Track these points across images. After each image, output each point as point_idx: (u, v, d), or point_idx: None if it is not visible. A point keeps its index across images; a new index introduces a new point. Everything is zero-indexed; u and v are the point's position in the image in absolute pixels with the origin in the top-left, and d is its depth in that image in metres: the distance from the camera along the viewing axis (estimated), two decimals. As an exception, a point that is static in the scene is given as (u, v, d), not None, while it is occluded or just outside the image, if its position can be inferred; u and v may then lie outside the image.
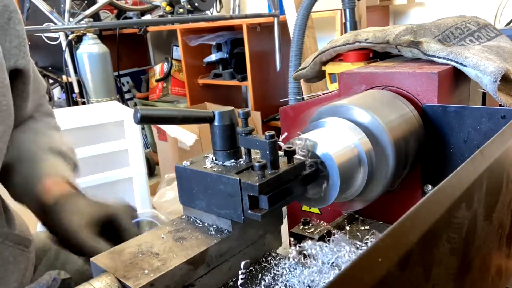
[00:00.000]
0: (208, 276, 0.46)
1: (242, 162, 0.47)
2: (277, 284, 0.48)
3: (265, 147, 0.44)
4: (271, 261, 0.53)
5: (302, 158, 0.48)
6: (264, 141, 0.44)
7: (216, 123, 0.47)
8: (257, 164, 0.42)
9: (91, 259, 0.44)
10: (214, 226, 0.48)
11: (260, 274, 0.50)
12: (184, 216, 0.52)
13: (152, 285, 0.40)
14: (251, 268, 0.51)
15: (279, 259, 0.53)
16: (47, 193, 0.71)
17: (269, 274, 0.50)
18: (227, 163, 0.47)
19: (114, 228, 0.64)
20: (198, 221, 0.50)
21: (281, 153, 0.47)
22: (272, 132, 0.44)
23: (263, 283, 0.48)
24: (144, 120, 0.43)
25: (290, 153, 0.46)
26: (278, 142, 0.46)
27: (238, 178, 0.43)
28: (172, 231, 0.49)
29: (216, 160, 0.48)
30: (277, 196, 0.44)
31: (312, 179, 0.49)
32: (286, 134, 0.58)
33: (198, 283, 0.45)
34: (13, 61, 0.71)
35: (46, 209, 0.69)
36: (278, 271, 0.50)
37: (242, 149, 0.48)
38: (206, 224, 0.49)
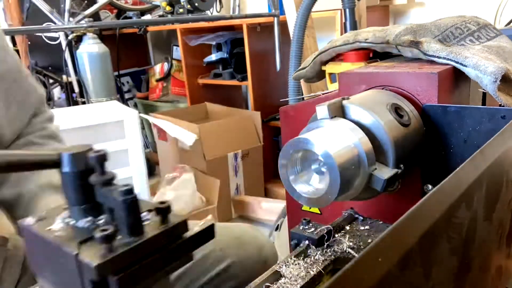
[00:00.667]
0: None
1: (102, 221, 0.35)
2: None
3: (119, 206, 0.32)
4: None
5: (181, 216, 0.35)
6: (115, 198, 0.32)
7: (64, 169, 0.34)
8: (98, 234, 0.30)
9: None
10: None
11: None
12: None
13: None
14: None
15: None
16: None
17: None
18: (81, 223, 0.35)
19: None
20: None
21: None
22: (130, 187, 0.32)
23: None
24: None
25: (164, 211, 0.34)
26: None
27: (74, 253, 0.31)
28: None
29: (70, 217, 0.35)
30: (136, 275, 0.32)
31: (201, 242, 0.36)
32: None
33: None
34: None
35: None
36: None
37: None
38: None
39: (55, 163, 0.35)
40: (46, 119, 0.88)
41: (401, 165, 0.55)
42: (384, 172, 0.52)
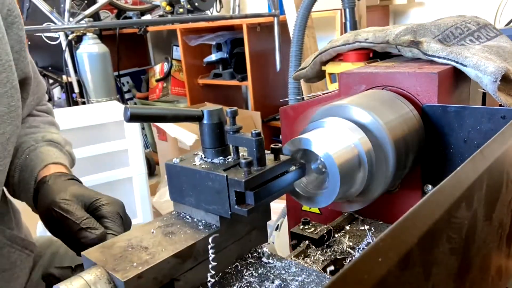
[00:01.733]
0: (195, 270, 0.47)
1: (230, 159, 0.49)
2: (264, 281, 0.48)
3: (251, 144, 0.45)
4: (257, 257, 0.53)
5: (286, 156, 0.49)
6: (250, 138, 0.45)
7: (205, 121, 0.48)
8: (243, 161, 0.44)
9: (82, 252, 0.45)
10: (203, 222, 0.50)
11: (245, 269, 0.51)
12: (174, 212, 0.52)
13: (140, 277, 0.41)
14: (237, 263, 0.51)
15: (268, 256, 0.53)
16: (42, 177, 0.72)
17: (253, 270, 0.50)
18: (216, 160, 0.48)
19: (96, 215, 0.64)
20: (188, 217, 0.51)
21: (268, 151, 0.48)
22: (258, 130, 0.46)
23: (246, 279, 0.49)
24: (134, 118, 0.44)
25: (276, 151, 0.48)
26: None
27: (225, 175, 0.45)
28: (162, 226, 0.50)
29: (205, 157, 0.49)
30: (263, 192, 0.45)
31: (299, 176, 0.50)
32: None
33: (185, 277, 0.46)
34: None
35: (39, 191, 0.70)
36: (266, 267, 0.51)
37: (231, 146, 0.49)
38: (195, 220, 0.50)
39: (199, 117, 0.48)
40: (45, 110, 0.93)
41: (401, 165, 0.54)
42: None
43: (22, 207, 0.84)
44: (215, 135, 0.48)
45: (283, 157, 0.48)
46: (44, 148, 0.79)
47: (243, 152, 0.49)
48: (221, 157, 0.49)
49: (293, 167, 0.49)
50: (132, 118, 0.44)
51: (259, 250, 0.54)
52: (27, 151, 0.78)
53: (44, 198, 0.67)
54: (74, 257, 0.64)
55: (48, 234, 0.70)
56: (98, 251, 0.45)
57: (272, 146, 0.48)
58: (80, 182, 0.73)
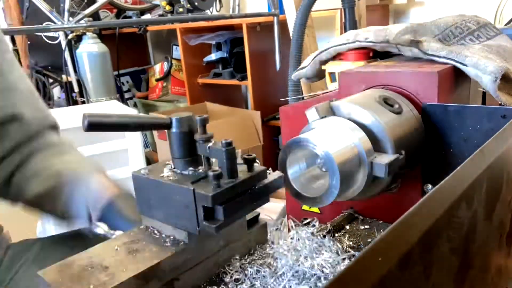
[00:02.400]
0: None
1: (201, 171, 0.46)
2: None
3: (221, 155, 0.42)
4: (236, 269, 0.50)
5: (261, 167, 0.47)
6: (220, 149, 0.42)
7: (173, 129, 0.45)
8: (211, 173, 0.41)
9: (38, 272, 0.43)
10: (171, 237, 0.47)
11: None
12: (142, 226, 0.50)
13: None
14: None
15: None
16: (103, 197, 0.74)
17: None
18: (185, 171, 0.46)
19: None
20: (156, 232, 0.48)
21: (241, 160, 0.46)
22: (229, 140, 0.42)
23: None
24: (93, 127, 0.42)
25: (249, 161, 0.45)
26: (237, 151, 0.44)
27: (192, 188, 0.42)
28: (127, 243, 0.47)
29: (174, 168, 0.46)
30: (234, 206, 0.43)
31: (275, 187, 0.47)
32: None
33: None
34: None
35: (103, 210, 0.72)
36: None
37: (202, 156, 0.46)
38: (163, 235, 0.48)
39: (167, 125, 0.45)
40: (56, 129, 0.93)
41: (402, 151, 0.54)
42: (384, 158, 0.52)
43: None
44: (184, 144, 0.45)
45: (257, 168, 0.45)
46: (95, 176, 0.80)
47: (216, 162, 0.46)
48: (191, 168, 0.46)
49: (269, 178, 0.46)
50: (91, 127, 0.41)
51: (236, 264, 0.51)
52: (79, 178, 0.79)
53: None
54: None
55: (47, 234, 0.71)
56: (56, 270, 0.43)
57: (244, 156, 0.45)
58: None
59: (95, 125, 0.42)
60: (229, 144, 0.42)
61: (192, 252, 0.47)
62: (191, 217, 0.43)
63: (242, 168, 0.45)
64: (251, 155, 0.45)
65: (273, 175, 0.47)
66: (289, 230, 0.59)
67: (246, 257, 0.52)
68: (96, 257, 0.45)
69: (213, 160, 0.45)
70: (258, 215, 0.54)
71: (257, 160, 0.46)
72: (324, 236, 0.54)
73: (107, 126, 0.44)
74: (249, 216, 0.53)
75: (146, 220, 0.50)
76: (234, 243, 0.51)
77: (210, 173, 0.41)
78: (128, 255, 0.45)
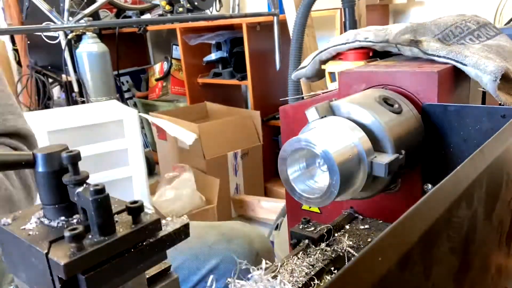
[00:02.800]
0: None
1: (75, 221, 0.35)
2: None
3: (89, 206, 0.32)
4: None
5: (154, 216, 0.35)
6: (86, 197, 0.32)
7: (39, 169, 0.35)
8: (68, 233, 0.30)
9: None
10: None
11: None
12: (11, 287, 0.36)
13: None
14: None
15: None
16: None
17: None
18: (55, 222, 0.35)
19: None
20: None
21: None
22: (100, 187, 0.32)
23: None
24: None
25: (134, 211, 0.34)
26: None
27: (45, 252, 0.31)
28: None
29: (44, 216, 0.36)
30: (106, 274, 0.32)
31: (175, 241, 0.36)
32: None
33: None
34: None
35: None
36: None
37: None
38: None
39: (29, 163, 0.35)
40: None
41: (402, 151, 0.54)
42: (384, 158, 0.52)
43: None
44: (53, 187, 0.35)
45: (146, 218, 0.34)
46: None
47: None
48: (62, 218, 0.35)
49: (166, 230, 0.35)
50: None
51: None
52: None
53: None
54: None
55: None
56: None
57: (128, 204, 0.34)
58: None
59: None
60: (99, 191, 0.32)
61: None
62: (49, 287, 0.32)
63: (126, 219, 0.34)
64: (137, 201, 0.34)
65: (174, 224, 0.36)
66: (289, 230, 0.59)
67: None
68: None
69: None
70: (169, 267, 0.41)
71: (148, 208, 0.35)
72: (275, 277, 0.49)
73: None
74: (154, 271, 0.40)
75: (16, 279, 0.39)
76: None
77: (67, 234, 0.31)
78: None
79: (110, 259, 0.32)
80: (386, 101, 0.58)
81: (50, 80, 3.23)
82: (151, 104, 3.47)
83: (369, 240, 0.61)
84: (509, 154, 0.44)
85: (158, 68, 3.64)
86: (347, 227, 0.65)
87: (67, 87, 2.92)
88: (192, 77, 3.10)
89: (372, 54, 0.80)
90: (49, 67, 3.15)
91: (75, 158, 0.34)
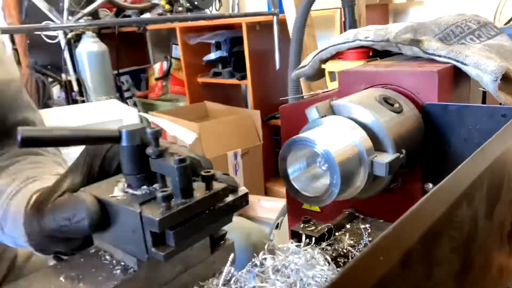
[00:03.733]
0: None
1: (155, 189, 0.41)
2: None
3: (174, 173, 0.37)
4: None
5: (222, 184, 0.41)
6: (171, 166, 0.37)
7: (123, 143, 0.40)
8: (160, 194, 0.36)
9: None
10: (121, 263, 0.42)
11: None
12: (92, 250, 0.45)
13: None
14: None
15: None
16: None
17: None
18: (138, 190, 0.41)
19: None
20: (107, 256, 0.44)
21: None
22: (183, 156, 0.38)
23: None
24: (27, 143, 0.36)
25: (207, 178, 0.40)
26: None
27: (138, 211, 0.37)
28: (72, 268, 0.42)
29: (127, 186, 0.42)
30: (188, 230, 0.38)
31: (238, 207, 0.43)
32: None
33: None
34: None
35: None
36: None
37: (158, 173, 0.42)
38: (113, 261, 0.43)
39: (115, 138, 0.40)
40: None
41: (402, 150, 0.54)
42: (385, 157, 0.52)
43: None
44: (136, 160, 0.40)
45: (217, 186, 0.40)
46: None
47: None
48: (144, 187, 0.41)
49: (231, 197, 0.42)
50: (25, 143, 0.36)
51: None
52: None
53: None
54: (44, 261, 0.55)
55: None
56: None
57: (202, 173, 0.40)
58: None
59: (29, 141, 0.37)
60: (182, 160, 0.37)
61: (143, 280, 0.42)
62: (139, 242, 0.38)
63: (200, 186, 0.40)
64: (209, 171, 0.40)
65: (240, 191, 0.43)
66: (289, 229, 0.59)
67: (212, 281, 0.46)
68: (38, 284, 0.41)
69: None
70: (225, 233, 0.48)
71: (217, 177, 0.42)
72: (308, 244, 0.51)
73: (44, 142, 0.39)
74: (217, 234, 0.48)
75: (97, 241, 0.45)
76: (195, 267, 0.46)
77: (159, 194, 0.37)
78: (72, 283, 0.40)
79: (191, 218, 0.38)
80: (387, 101, 0.58)
81: (50, 80, 3.22)
82: (151, 104, 3.47)
83: (369, 239, 0.61)
84: (510, 154, 0.44)
85: (158, 68, 3.64)
86: (348, 226, 0.65)
87: (66, 87, 2.92)
88: (192, 77, 3.10)
89: (372, 53, 0.79)
90: (49, 67, 3.15)
91: (157, 133, 0.39)
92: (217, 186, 0.41)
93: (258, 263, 0.47)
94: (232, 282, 0.45)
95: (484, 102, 0.74)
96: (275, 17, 2.56)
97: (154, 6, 3.31)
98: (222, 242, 0.48)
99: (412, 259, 0.27)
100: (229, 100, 3.11)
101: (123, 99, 3.46)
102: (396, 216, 0.27)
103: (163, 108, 3.23)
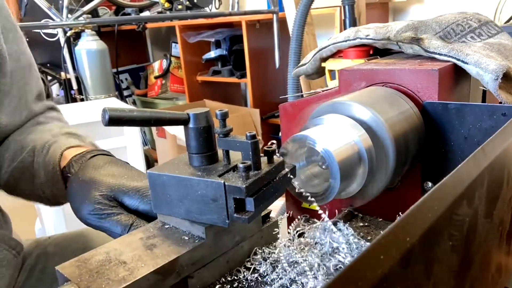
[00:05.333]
0: (180, 286, 0.44)
1: (220, 165, 0.46)
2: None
3: (247, 148, 0.43)
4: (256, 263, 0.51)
5: (279, 158, 0.47)
6: (246, 141, 0.43)
7: (191, 125, 0.45)
8: (241, 165, 0.41)
9: (56, 267, 0.42)
10: (188, 233, 0.47)
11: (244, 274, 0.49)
12: (158, 222, 0.50)
13: None
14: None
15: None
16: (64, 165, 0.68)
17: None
18: (205, 167, 0.46)
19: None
20: (172, 228, 0.48)
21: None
22: (253, 132, 0.43)
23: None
24: (113, 122, 0.40)
25: (270, 153, 0.46)
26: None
27: (222, 181, 0.42)
28: (143, 238, 0.47)
29: (192, 164, 0.46)
30: (262, 197, 0.43)
31: (290, 179, 0.48)
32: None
33: None
34: None
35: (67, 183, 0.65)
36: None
37: (220, 151, 0.47)
38: (180, 231, 0.47)
39: (185, 121, 0.45)
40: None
41: (402, 149, 0.54)
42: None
43: (19, 204, 0.84)
44: (203, 139, 0.45)
45: (276, 159, 0.46)
46: (64, 139, 0.75)
47: (233, 156, 0.47)
48: (209, 163, 0.46)
49: (286, 170, 0.47)
50: (111, 121, 0.41)
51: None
52: (47, 145, 0.74)
53: (78, 200, 0.61)
54: (60, 259, 0.59)
55: (48, 234, 0.69)
56: (74, 265, 0.42)
57: (265, 148, 0.46)
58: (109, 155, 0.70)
59: (115, 120, 0.41)
60: (253, 136, 0.43)
61: (209, 248, 0.47)
62: (220, 210, 0.43)
63: (263, 160, 0.45)
64: (271, 146, 0.46)
65: (288, 166, 0.48)
66: (289, 223, 0.59)
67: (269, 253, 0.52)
68: (113, 252, 0.44)
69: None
70: (270, 212, 0.55)
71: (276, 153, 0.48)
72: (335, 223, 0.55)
73: (127, 121, 0.43)
74: (262, 213, 0.54)
75: (161, 217, 0.50)
76: (247, 240, 0.52)
77: (240, 165, 0.42)
78: (146, 250, 0.44)
79: (263, 187, 0.43)
80: (387, 99, 0.58)
81: (49, 78, 3.22)
82: (150, 102, 3.47)
83: (369, 238, 0.60)
84: (510, 152, 0.44)
85: (157, 66, 3.63)
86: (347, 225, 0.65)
87: (66, 85, 2.92)
88: (191, 75, 3.10)
89: (373, 51, 0.79)
90: (48, 65, 3.15)
91: (225, 115, 0.44)
92: (276, 159, 0.46)
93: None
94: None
95: (484, 100, 0.74)
96: (274, 15, 2.56)
97: (153, 4, 3.31)
98: (268, 219, 0.55)
99: (412, 258, 0.27)
100: (228, 98, 3.11)
101: (122, 97, 3.46)
102: (395, 214, 0.27)
103: (162, 106, 3.23)
